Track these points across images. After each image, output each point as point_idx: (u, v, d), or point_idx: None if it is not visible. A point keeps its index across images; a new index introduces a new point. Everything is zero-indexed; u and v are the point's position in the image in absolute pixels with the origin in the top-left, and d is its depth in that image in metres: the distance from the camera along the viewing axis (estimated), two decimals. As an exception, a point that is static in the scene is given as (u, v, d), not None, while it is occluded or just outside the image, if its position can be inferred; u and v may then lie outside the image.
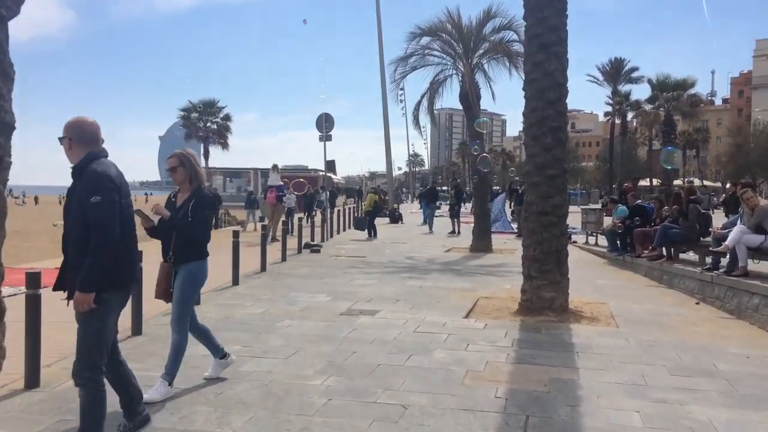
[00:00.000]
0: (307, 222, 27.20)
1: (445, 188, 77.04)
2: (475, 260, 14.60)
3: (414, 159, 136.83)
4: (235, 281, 10.17)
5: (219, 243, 18.42)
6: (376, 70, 37.66)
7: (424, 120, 17.63)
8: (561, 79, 8.06)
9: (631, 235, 13.31)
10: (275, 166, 20.38)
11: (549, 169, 8.02)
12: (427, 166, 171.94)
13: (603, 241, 16.89)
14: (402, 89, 71.95)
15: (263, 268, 11.97)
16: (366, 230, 21.02)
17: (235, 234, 10.40)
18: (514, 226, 23.33)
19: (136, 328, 6.78)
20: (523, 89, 8.35)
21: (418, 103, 17.76)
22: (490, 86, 17.47)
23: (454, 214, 23.56)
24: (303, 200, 31.04)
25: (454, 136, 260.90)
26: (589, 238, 17.60)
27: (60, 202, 68.30)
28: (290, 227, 20.07)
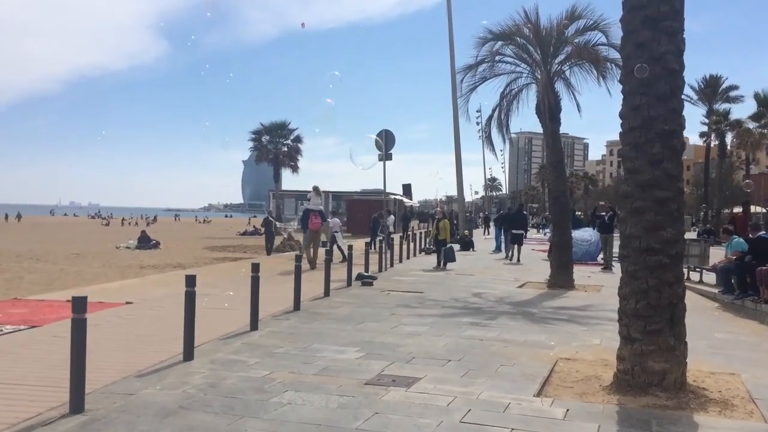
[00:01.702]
0: (371, 248, 25.45)
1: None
2: (553, 300, 12.23)
3: (491, 183, 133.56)
4: (254, 325, 8.32)
5: (274, 269, 17.00)
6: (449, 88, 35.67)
7: (497, 137, 15.49)
8: (675, 66, 5.82)
9: (751, 274, 10.69)
10: (316, 188, 18.59)
11: (658, 190, 5.76)
12: (504, 191, 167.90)
13: (708, 278, 14.14)
14: (478, 111, 69.82)
15: (296, 305, 10.10)
16: (441, 260, 18.77)
17: (255, 268, 8.54)
18: (600, 256, 20.64)
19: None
20: (621, 81, 6.16)
21: (490, 118, 15.63)
22: (575, 97, 15.13)
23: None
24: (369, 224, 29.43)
25: (533, 159, 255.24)
26: (691, 274, 14.86)
27: (137, 223, 69.67)
28: (343, 254, 18.20)
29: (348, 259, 13.89)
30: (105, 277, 17.16)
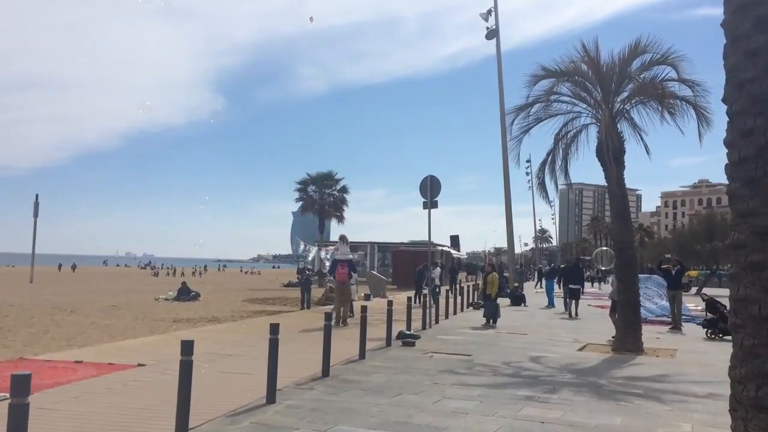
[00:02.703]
0: (416, 302, 24.03)
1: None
2: (622, 368, 10.60)
3: (541, 235, 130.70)
4: (270, 397, 7.06)
5: (310, 324, 15.78)
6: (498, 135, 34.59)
7: (550, 184, 14.06)
8: (800, 77, 4.49)
9: None
10: (343, 237, 17.53)
11: (783, 239, 4.36)
12: (555, 243, 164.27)
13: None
14: (528, 162, 68.44)
15: (325, 371, 8.81)
16: (488, 317, 17.30)
17: (274, 329, 7.32)
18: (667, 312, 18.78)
19: None
20: (724, 101, 4.84)
21: (544, 162, 14.27)
22: (641, 138, 13.65)
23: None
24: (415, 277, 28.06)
25: (584, 211, 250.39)
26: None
27: (193, 273, 69.83)
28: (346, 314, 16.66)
29: (388, 318, 12.52)
30: (134, 332, 16.23)
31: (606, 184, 13.22)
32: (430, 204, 16.51)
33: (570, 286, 21.56)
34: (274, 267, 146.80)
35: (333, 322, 10.64)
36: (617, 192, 13.05)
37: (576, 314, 20.56)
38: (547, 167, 14.07)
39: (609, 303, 24.10)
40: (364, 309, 10.98)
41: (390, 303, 12.78)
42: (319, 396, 7.53)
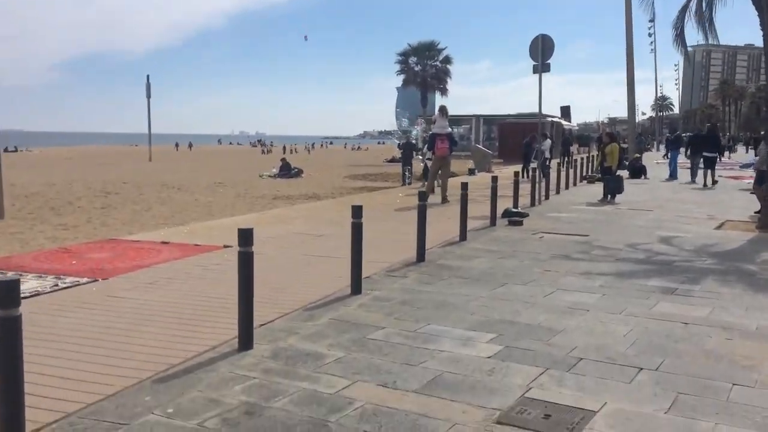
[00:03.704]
0: (523, 177, 22.48)
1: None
2: (775, 250, 8.94)
3: (662, 102, 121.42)
4: (356, 288, 6.17)
5: (408, 202, 14.83)
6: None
7: (697, 33, 11.65)
8: None
9: None
10: (443, 108, 16.07)
11: None
12: (676, 110, 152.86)
13: None
14: (651, 21, 61.69)
15: (420, 256, 7.83)
16: (607, 192, 15.66)
17: (356, 212, 6.29)
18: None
19: None
20: None
21: (684, 8, 11.84)
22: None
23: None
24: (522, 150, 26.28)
25: (711, 75, 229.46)
26: None
27: (295, 151, 70.79)
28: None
29: (493, 194, 11.27)
30: (233, 209, 16.01)
31: (762, 34, 10.80)
32: (541, 67, 14.57)
33: (705, 154, 20.19)
34: (379, 143, 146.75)
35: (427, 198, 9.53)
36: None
37: (712, 183, 19.71)
38: (688, 13, 11.68)
39: (742, 173, 21.59)
40: (464, 186, 9.74)
41: (495, 179, 11.47)
42: (410, 285, 6.58)
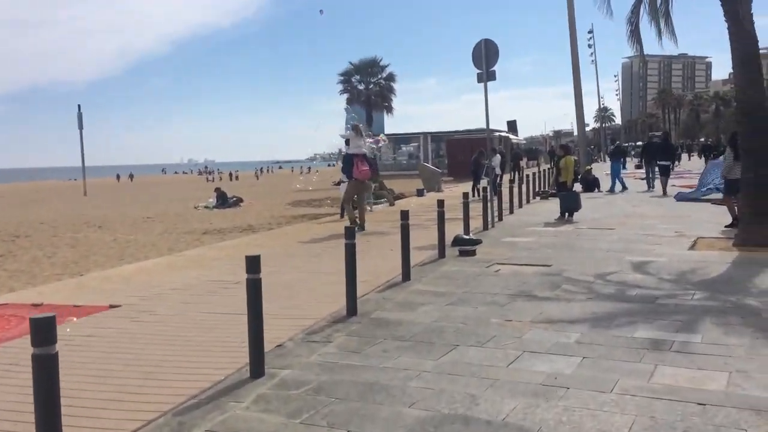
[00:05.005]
0: (474, 195, 21.18)
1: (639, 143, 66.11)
2: (766, 273, 7.68)
3: (603, 113, 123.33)
4: (255, 371, 4.54)
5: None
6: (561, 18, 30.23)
7: (651, 30, 10.48)
8: None
9: None
10: (356, 127, 14.22)
11: None
12: (618, 121, 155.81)
13: None
14: (591, 33, 62.34)
15: (351, 309, 6.24)
16: (564, 210, 14.42)
17: (252, 267, 4.71)
18: None
19: None
20: None
21: (639, 2, 10.68)
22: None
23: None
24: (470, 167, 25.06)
25: (649, 85, 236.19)
26: None
27: (238, 178, 68.49)
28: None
29: (440, 220, 9.79)
30: (150, 250, 14.19)
31: (730, 46, 9.63)
32: (486, 75, 13.26)
33: (659, 162, 20.43)
34: (329, 165, 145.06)
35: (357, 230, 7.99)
36: (739, 35, 9.52)
37: (665, 193, 19.57)
38: (643, 7, 10.51)
39: (696, 183, 20.91)
40: (404, 215, 8.19)
41: (441, 202, 9.99)
42: (333, 358, 4.97)
